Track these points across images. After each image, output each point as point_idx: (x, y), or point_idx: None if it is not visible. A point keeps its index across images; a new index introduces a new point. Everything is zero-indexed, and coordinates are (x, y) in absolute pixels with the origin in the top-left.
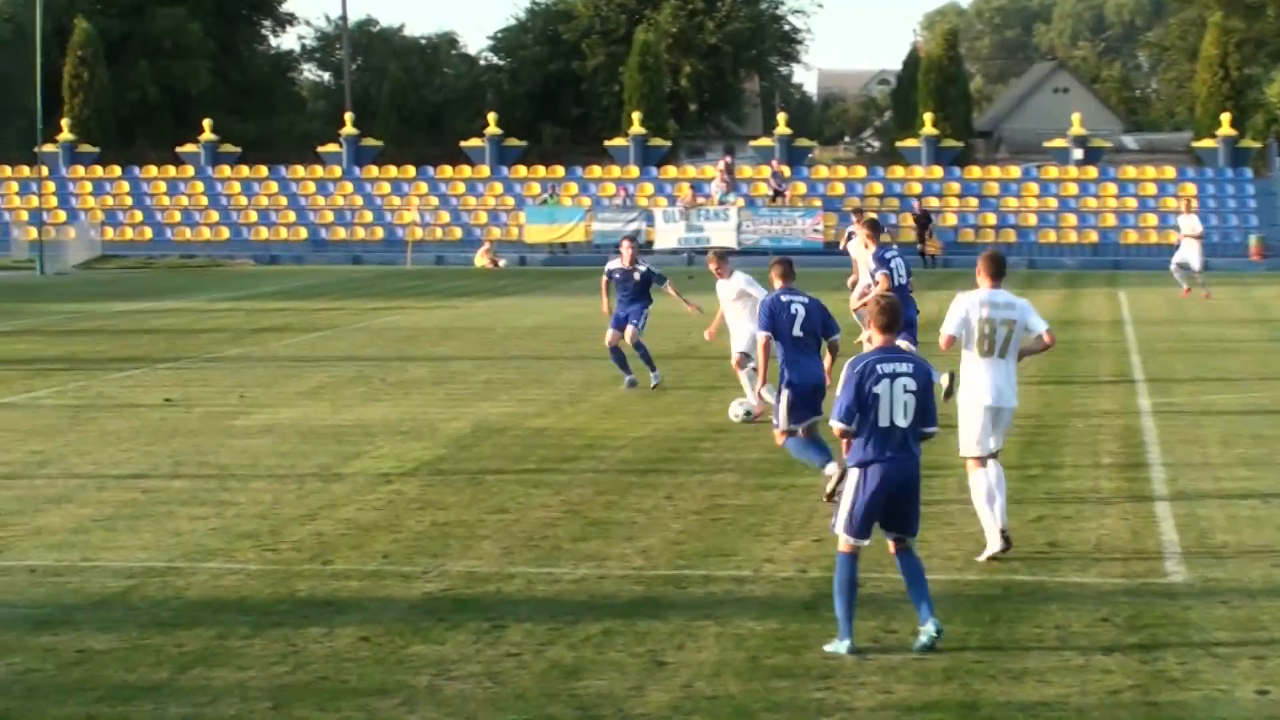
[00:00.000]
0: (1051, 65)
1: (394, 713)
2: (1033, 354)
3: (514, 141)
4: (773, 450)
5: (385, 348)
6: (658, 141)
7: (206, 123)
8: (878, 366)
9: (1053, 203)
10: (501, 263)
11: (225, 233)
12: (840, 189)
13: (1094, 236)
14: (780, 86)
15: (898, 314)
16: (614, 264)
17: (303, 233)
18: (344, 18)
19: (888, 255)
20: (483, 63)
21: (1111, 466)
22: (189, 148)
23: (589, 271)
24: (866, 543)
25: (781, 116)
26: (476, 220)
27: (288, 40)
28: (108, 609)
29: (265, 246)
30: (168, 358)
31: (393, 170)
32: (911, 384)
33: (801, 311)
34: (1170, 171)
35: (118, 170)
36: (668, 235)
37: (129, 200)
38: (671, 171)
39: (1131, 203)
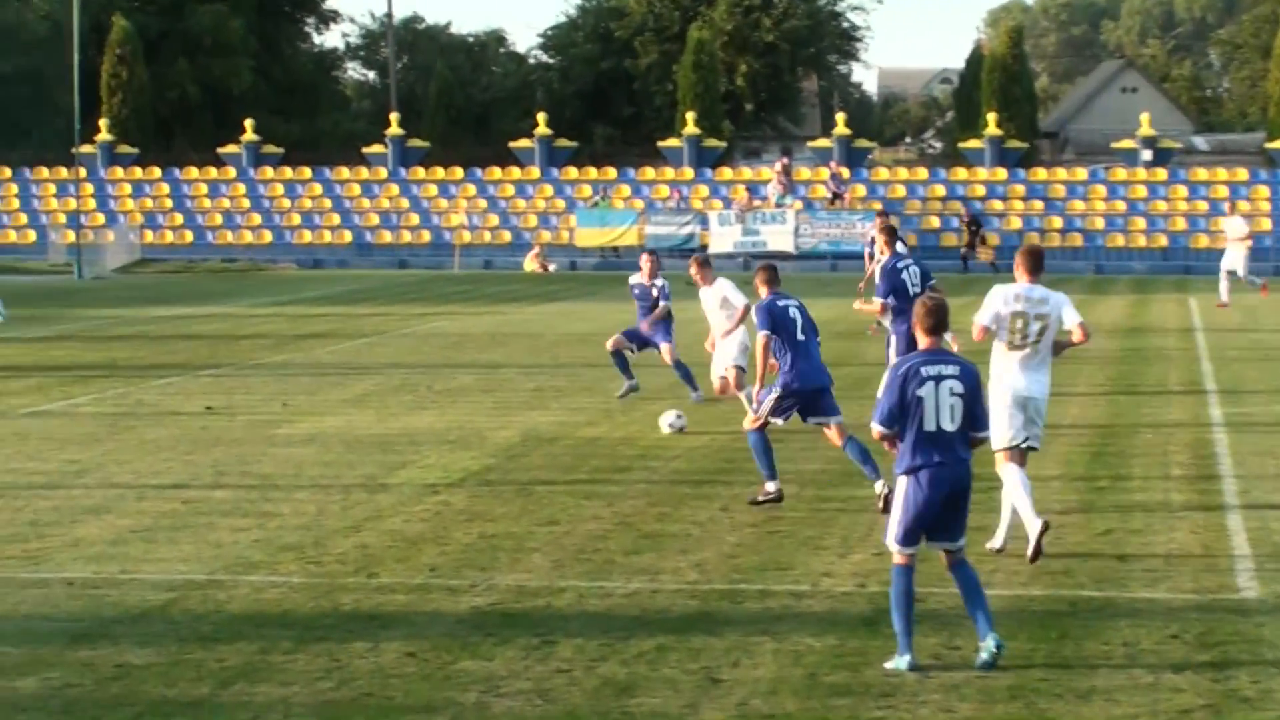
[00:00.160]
0: (1120, 63)
1: None
2: (1066, 349)
3: (564, 142)
4: (832, 461)
5: (432, 354)
6: (712, 142)
7: (248, 123)
8: (921, 369)
9: (1121, 206)
10: (551, 267)
11: (268, 236)
12: (901, 191)
13: (1163, 241)
14: (839, 86)
15: (944, 316)
16: (635, 278)
17: (347, 236)
18: (389, 15)
19: (900, 265)
20: (532, 61)
21: (1182, 478)
22: (230, 148)
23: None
24: (916, 551)
25: (840, 117)
26: (526, 223)
27: (331, 38)
28: (147, 623)
29: (309, 250)
30: (209, 364)
31: (439, 172)
32: (958, 386)
33: (799, 315)
34: (1242, 173)
35: (157, 172)
36: (723, 239)
37: (169, 202)
38: (727, 173)
39: (1202, 206)
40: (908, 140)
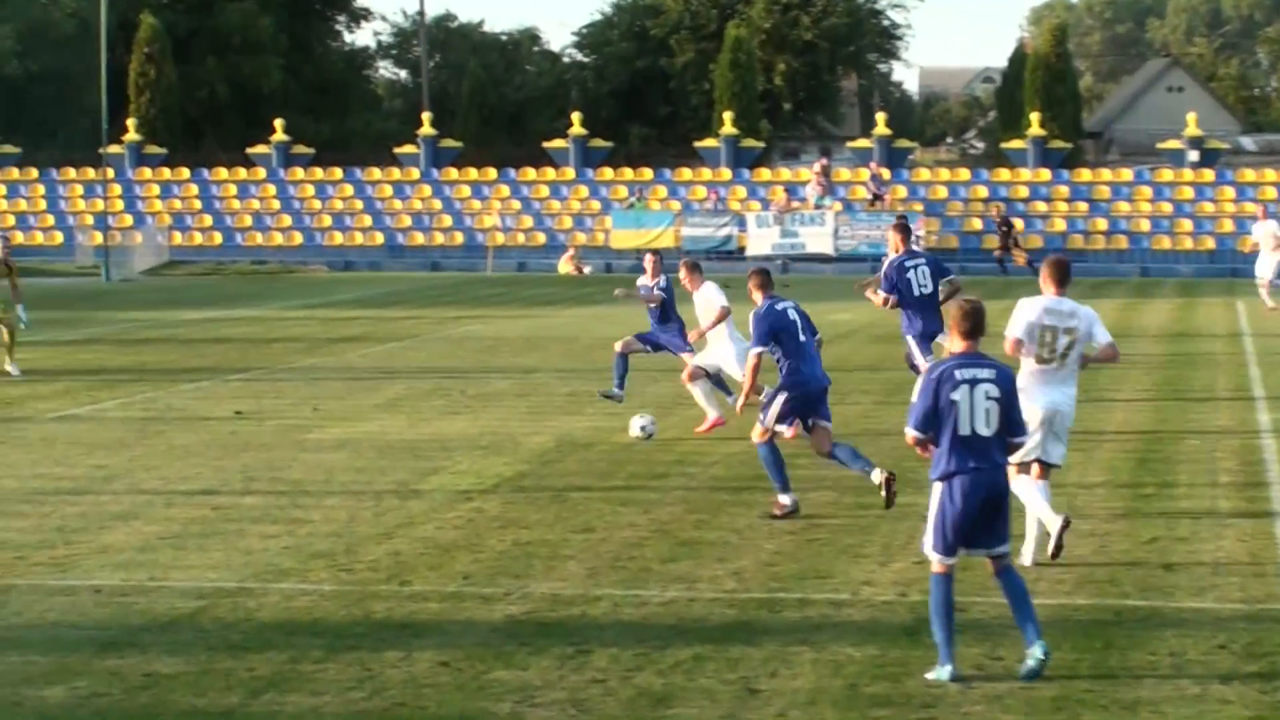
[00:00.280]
0: (1165, 62)
1: None
2: (1100, 362)
3: (599, 142)
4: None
5: (465, 358)
6: (750, 143)
7: (278, 123)
8: (956, 372)
9: (1167, 207)
10: (587, 269)
11: (298, 237)
12: (942, 192)
13: (1210, 243)
14: (879, 85)
15: (981, 320)
16: (641, 280)
17: (379, 238)
18: (421, 13)
19: (907, 263)
20: (566, 60)
21: (1229, 485)
22: (260, 149)
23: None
24: (956, 560)
25: (880, 116)
26: (560, 225)
27: (363, 36)
28: (176, 631)
29: (340, 252)
30: (238, 368)
31: (473, 172)
32: (994, 390)
33: (798, 316)
34: None
35: (186, 172)
36: (761, 241)
37: (198, 203)
38: (765, 174)
39: (1250, 207)
40: (949, 140)
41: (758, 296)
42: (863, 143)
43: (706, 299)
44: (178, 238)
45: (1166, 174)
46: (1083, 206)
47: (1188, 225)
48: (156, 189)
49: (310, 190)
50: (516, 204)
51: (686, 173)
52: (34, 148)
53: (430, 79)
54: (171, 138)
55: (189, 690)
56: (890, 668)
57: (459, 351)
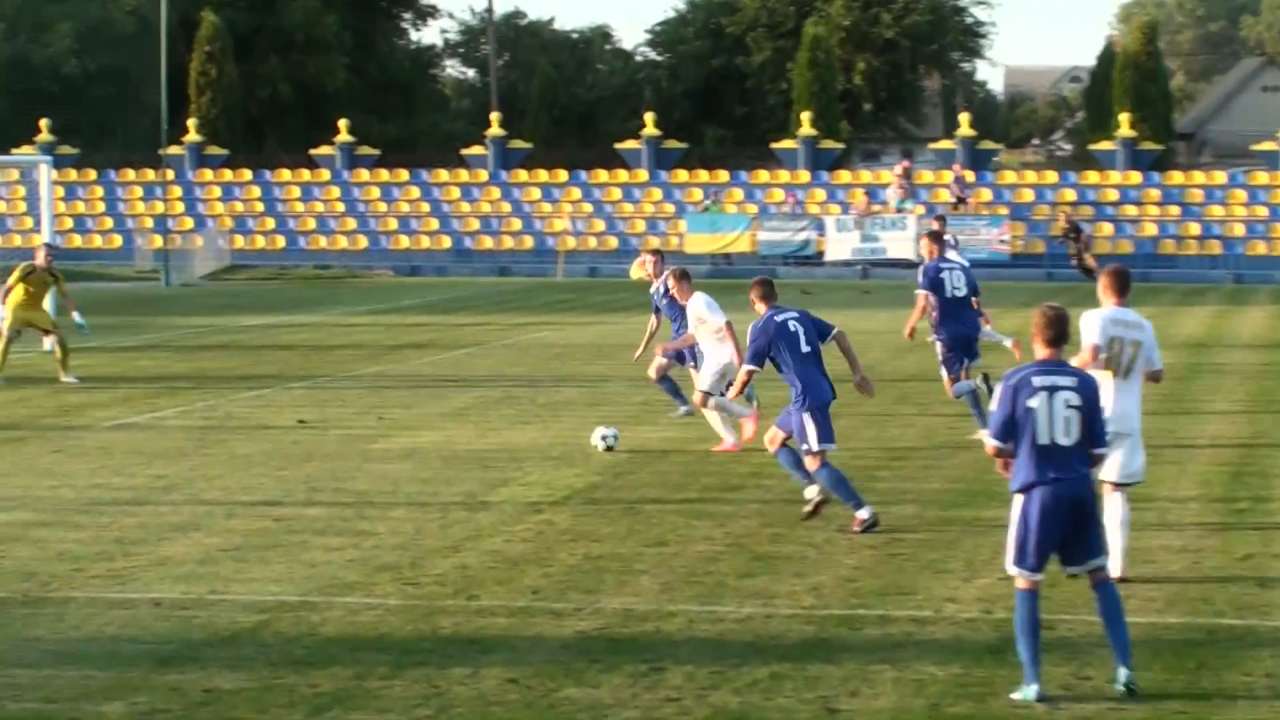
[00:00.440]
0: (1260, 61)
1: None
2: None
3: (673, 143)
4: (956, 480)
5: (535, 366)
6: (829, 144)
7: (343, 123)
8: (1034, 379)
9: (1262, 211)
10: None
11: (363, 241)
12: (1028, 195)
13: None
14: (963, 84)
15: (1065, 326)
16: (653, 284)
17: (446, 241)
18: (489, 10)
19: (943, 267)
20: (639, 58)
21: None
22: (324, 150)
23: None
24: (1041, 576)
25: (964, 117)
26: (633, 228)
27: (429, 34)
28: (237, 646)
29: (406, 256)
30: (301, 376)
31: (542, 174)
32: (1074, 399)
33: (800, 328)
34: None
35: (248, 174)
36: (840, 246)
37: (260, 206)
38: (844, 176)
39: None
40: (1035, 142)
41: (760, 307)
42: (946, 144)
43: (697, 315)
44: (239, 241)
45: (1261, 177)
46: (1174, 210)
47: None
48: (217, 191)
49: (375, 192)
50: (588, 207)
51: (763, 175)
52: (93, 148)
53: (499, 78)
54: (233, 138)
55: (250, 707)
56: (974, 687)
57: (528, 359)
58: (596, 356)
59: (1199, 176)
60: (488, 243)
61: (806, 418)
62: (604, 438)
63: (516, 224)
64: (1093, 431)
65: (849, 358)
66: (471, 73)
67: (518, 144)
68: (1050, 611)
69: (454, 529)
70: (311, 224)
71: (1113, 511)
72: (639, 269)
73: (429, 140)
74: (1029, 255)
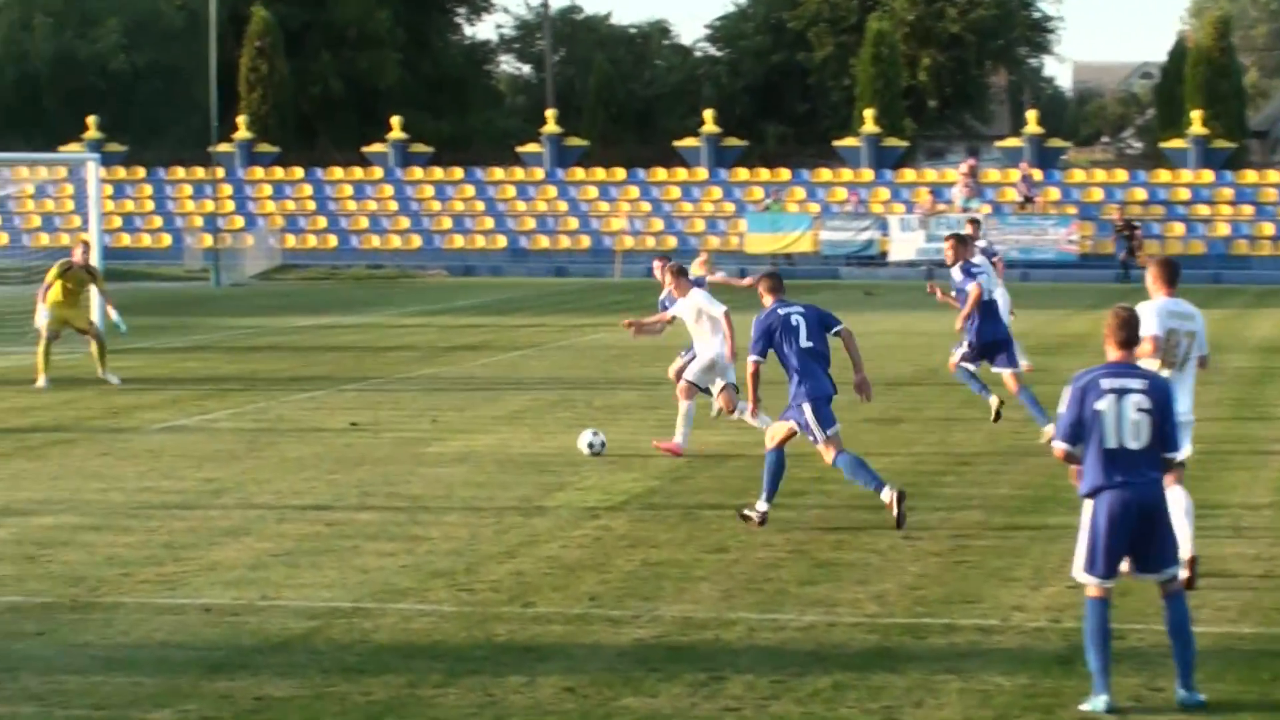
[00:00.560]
0: None
1: None
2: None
3: (733, 141)
4: (1023, 485)
5: (591, 368)
6: (893, 141)
7: (395, 120)
8: (1102, 381)
9: None
10: (720, 275)
11: (416, 241)
12: (1098, 194)
13: None
14: (1030, 80)
15: (1138, 328)
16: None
17: (501, 241)
18: (545, 5)
19: (974, 269)
20: (698, 54)
21: None
22: (376, 147)
23: (817, 286)
24: (1112, 583)
25: (1031, 114)
26: (692, 228)
27: (484, 29)
28: (288, 652)
29: (460, 256)
30: (353, 378)
31: (600, 173)
32: (1144, 402)
33: (802, 321)
34: None
35: (299, 172)
36: (904, 246)
37: (311, 205)
38: (908, 175)
39: None
40: (1105, 139)
41: (767, 300)
42: (1013, 142)
43: (696, 309)
44: (290, 240)
45: None
46: (1247, 210)
47: None
48: (268, 189)
49: (429, 191)
50: (646, 206)
51: (825, 173)
52: (141, 146)
53: (555, 74)
54: (284, 135)
55: (302, 715)
56: (1042, 698)
57: (585, 361)
58: (654, 359)
59: (1273, 175)
60: (544, 242)
61: (806, 408)
62: (590, 444)
63: (573, 223)
64: (1164, 435)
65: (852, 356)
66: (527, 68)
67: (574, 141)
68: (1121, 620)
69: (509, 534)
70: (364, 223)
71: (1175, 502)
72: (698, 269)
73: (484, 138)
74: (1098, 256)
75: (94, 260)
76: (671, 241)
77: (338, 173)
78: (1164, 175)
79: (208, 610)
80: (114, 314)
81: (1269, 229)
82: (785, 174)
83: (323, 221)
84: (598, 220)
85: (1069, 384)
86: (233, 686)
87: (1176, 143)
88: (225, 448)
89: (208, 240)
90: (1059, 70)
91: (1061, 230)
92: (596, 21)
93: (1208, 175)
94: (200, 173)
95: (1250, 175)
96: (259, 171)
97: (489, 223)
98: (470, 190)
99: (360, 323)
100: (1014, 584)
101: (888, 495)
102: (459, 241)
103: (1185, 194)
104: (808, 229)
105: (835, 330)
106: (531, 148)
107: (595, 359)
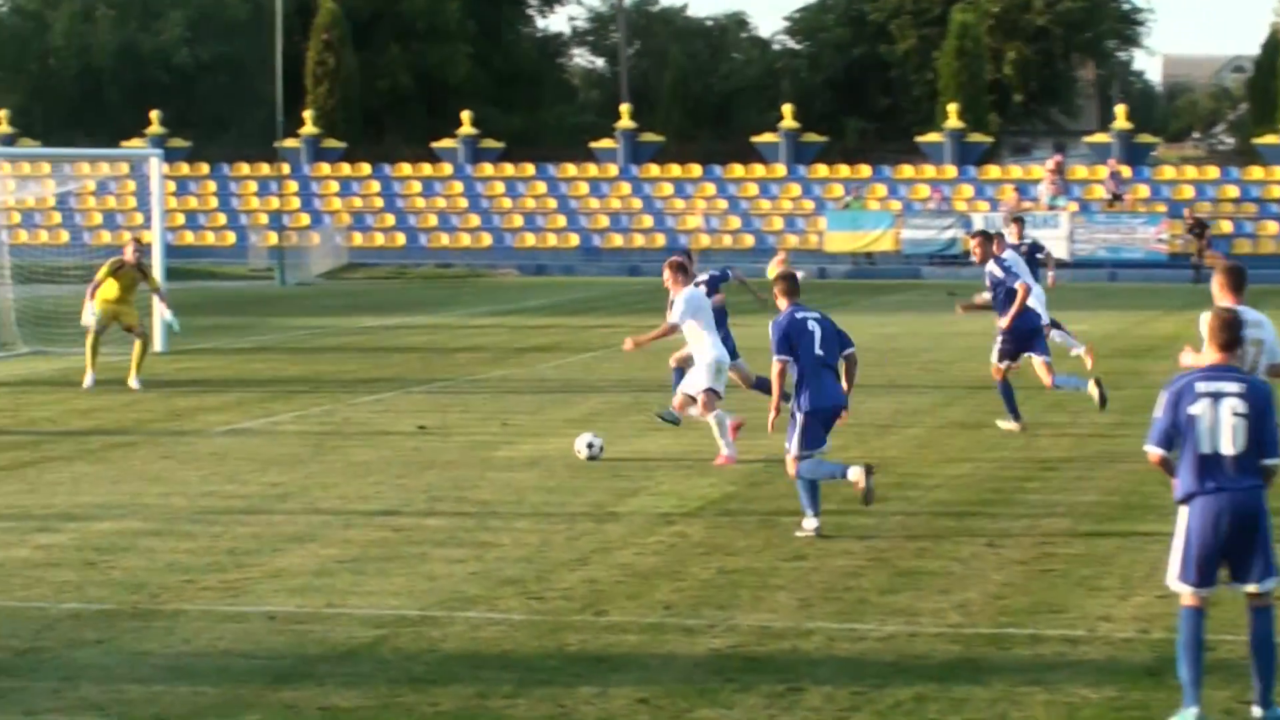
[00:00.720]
0: None
1: None
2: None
3: (813, 136)
4: (1111, 492)
5: (666, 371)
6: (977, 137)
7: (466, 115)
8: (1197, 385)
9: None
10: (799, 274)
11: (486, 239)
12: (1188, 192)
13: None
14: (1118, 74)
15: (1239, 330)
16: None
17: (573, 239)
18: None
19: (1007, 262)
20: (777, 47)
21: None
22: (446, 143)
23: (898, 286)
24: (1207, 592)
25: (1120, 109)
26: (770, 226)
27: (556, 22)
28: (355, 662)
29: (531, 255)
30: (422, 380)
31: (675, 169)
32: (1241, 406)
33: (818, 329)
34: None
35: (366, 168)
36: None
37: (379, 202)
38: (993, 171)
39: None
40: (1195, 135)
41: (782, 304)
42: (1101, 137)
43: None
44: (357, 239)
45: None
46: None
47: None
48: (335, 186)
49: (499, 188)
50: (722, 203)
51: (907, 170)
52: (205, 141)
53: (629, 68)
54: (351, 131)
55: None
56: (1130, 711)
57: (659, 363)
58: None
59: None
60: (617, 240)
61: (800, 419)
62: (589, 445)
63: (647, 221)
64: (1261, 440)
65: (848, 380)
66: (600, 62)
67: (649, 137)
68: (1212, 631)
69: (581, 541)
70: (433, 221)
71: None
72: (776, 268)
73: (556, 133)
74: (1187, 255)
75: (157, 256)
76: (748, 240)
77: (406, 169)
78: (1257, 172)
79: (272, 618)
80: (167, 313)
81: None
82: (866, 170)
83: (390, 219)
84: (673, 218)
85: (1164, 388)
86: (297, 697)
87: (1270, 138)
88: (290, 451)
89: (273, 238)
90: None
91: (1151, 229)
92: (672, 13)
93: None
94: (265, 169)
95: None
96: (325, 168)
97: (561, 220)
98: (542, 187)
99: (429, 323)
100: (1101, 593)
101: (855, 474)
102: (530, 240)
103: (1278, 191)
104: (889, 227)
105: (846, 352)
106: (605, 143)
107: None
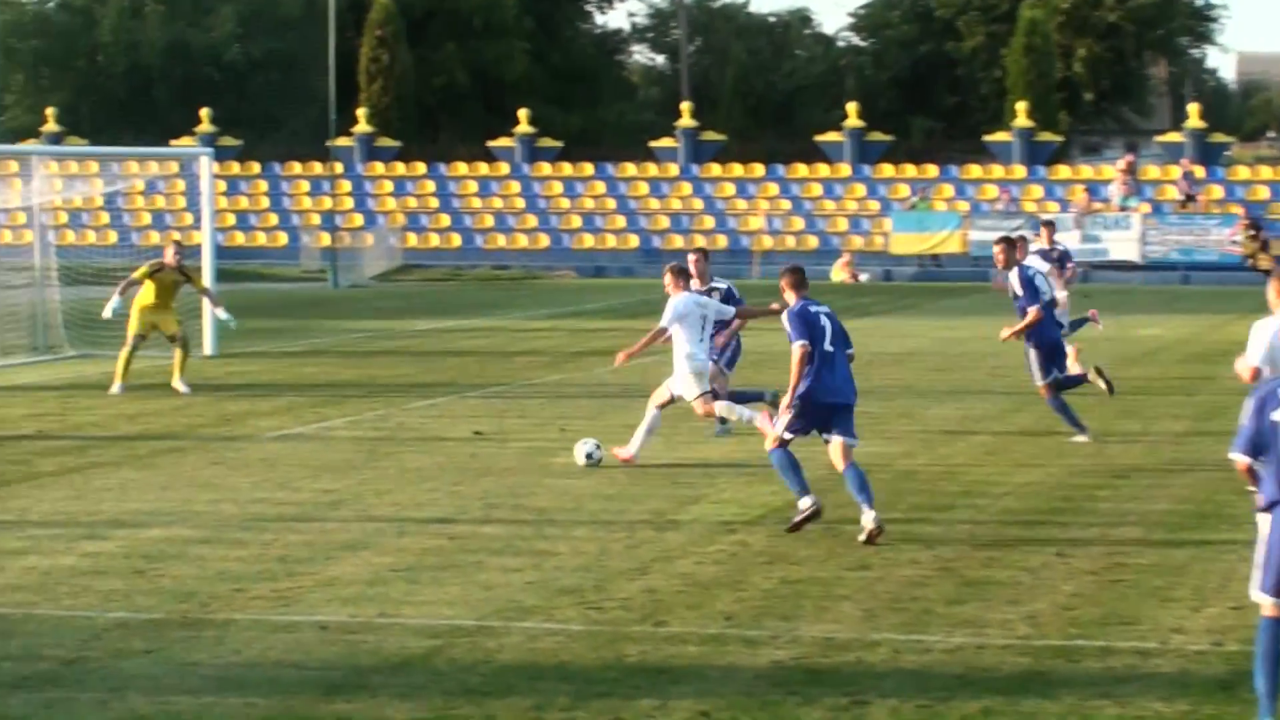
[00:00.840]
0: None
1: None
2: None
3: (878, 136)
4: (1184, 500)
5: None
6: (1047, 136)
7: (523, 113)
8: (1279, 391)
9: None
10: (863, 277)
11: (544, 240)
12: (1263, 193)
13: None
14: (1191, 72)
15: None
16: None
17: (633, 240)
18: None
19: (1029, 273)
20: (841, 44)
21: None
22: (503, 142)
23: (966, 289)
24: None
25: (1193, 108)
26: (834, 227)
27: (615, 18)
28: (409, 673)
29: (590, 256)
30: (478, 384)
31: (737, 169)
32: None
33: (828, 324)
34: None
35: (421, 167)
36: None
37: (434, 202)
38: (1063, 172)
39: None
40: (1271, 134)
41: (790, 296)
42: (1173, 137)
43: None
44: (412, 239)
45: None
46: None
47: None
48: (389, 186)
49: (557, 188)
50: (785, 204)
51: (975, 170)
52: (256, 139)
53: (690, 65)
54: (406, 129)
55: None
56: None
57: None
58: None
59: None
60: (678, 242)
61: (796, 405)
62: (588, 454)
63: (709, 222)
64: None
65: None
66: (661, 59)
67: (710, 136)
68: None
69: (641, 549)
70: (489, 221)
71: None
72: (840, 270)
73: (615, 132)
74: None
75: (207, 257)
76: (812, 241)
77: (462, 168)
78: None
79: (324, 628)
80: (221, 312)
81: None
82: (933, 170)
83: (446, 220)
84: (735, 219)
85: (1250, 395)
86: (350, 708)
87: None
88: (343, 457)
89: (325, 239)
90: (1223, 61)
91: (1225, 230)
92: (734, 9)
93: None
94: (318, 168)
95: None
96: (379, 167)
97: (620, 221)
98: (601, 187)
99: (485, 326)
100: (1173, 604)
101: (806, 503)
102: (589, 241)
103: None
104: (956, 228)
105: (847, 353)
106: (665, 142)
107: None
